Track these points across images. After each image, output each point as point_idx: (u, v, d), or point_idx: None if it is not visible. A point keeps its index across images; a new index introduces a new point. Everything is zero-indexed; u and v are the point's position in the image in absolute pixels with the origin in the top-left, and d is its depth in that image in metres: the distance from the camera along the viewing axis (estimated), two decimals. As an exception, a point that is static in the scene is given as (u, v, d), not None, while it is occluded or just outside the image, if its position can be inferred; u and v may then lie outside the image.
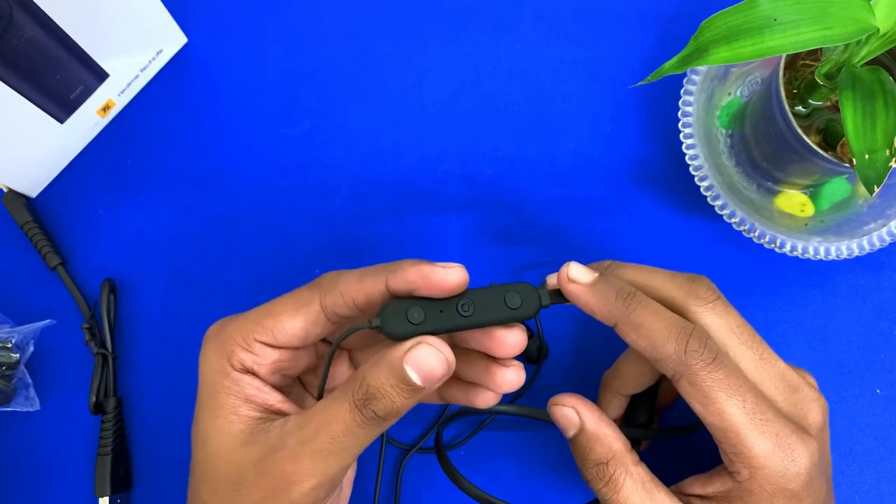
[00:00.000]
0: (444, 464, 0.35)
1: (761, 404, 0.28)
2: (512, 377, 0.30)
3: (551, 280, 0.33)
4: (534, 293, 0.29)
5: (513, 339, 0.29)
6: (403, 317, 0.27)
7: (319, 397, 0.30)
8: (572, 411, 0.31)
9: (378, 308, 0.29)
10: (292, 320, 0.30)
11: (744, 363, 0.30)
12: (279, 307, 0.30)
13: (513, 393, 0.40)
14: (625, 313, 0.29)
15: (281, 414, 0.30)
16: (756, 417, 0.28)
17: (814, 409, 0.30)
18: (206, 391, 0.30)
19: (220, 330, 0.31)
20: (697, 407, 0.28)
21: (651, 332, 0.28)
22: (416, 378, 0.26)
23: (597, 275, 0.30)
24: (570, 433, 0.31)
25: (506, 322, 0.29)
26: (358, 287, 0.29)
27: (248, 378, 0.30)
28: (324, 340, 0.34)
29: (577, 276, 0.30)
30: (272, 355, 0.30)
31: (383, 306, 0.28)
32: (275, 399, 0.30)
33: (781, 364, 0.30)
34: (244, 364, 0.30)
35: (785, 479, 0.27)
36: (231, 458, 0.29)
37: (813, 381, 0.32)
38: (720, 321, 0.30)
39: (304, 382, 0.35)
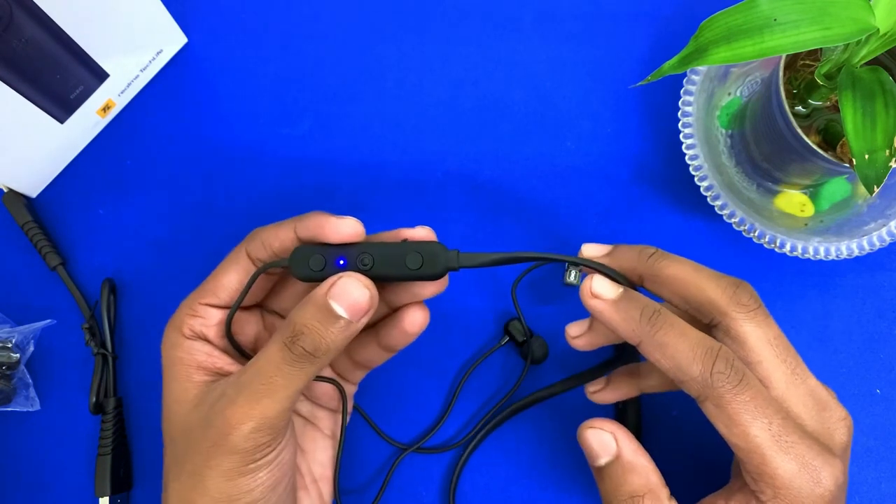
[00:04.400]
0: None
1: (787, 426, 0.27)
2: (420, 318, 0.32)
3: (587, 250, 0.33)
4: (441, 255, 0.30)
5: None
6: (307, 262, 0.30)
7: (229, 316, 0.31)
8: (610, 437, 0.30)
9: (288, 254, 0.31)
10: (227, 276, 0.32)
11: (775, 376, 0.29)
12: (216, 269, 0.32)
13: (513, 395, 0.40)
14: (649, 333, 0.28)
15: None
16: (782, 440, 0.27)
17: (840, 428, 0.29)
18: (164, 368, 0.32)
19: (174, 313, 0.32)
20: (722, 428, 0.28)
21: (676, 353, 0.28)
22: (340, 310, 0.28)
23: (622, 290, 0.30)
24: (602, 461, 0.30)
25: (404, 279, 0.30)
26: (273, 234, 0.31)
27: (198, 344, 0.31)
28: (265, 309, 0.35)
29: (600, 292, 0.30)
30: (217, 315, 0.32)
31: (294, 250, 0.30)
32: (224, 362, 0.31)
33: (812, 381, 0.30)
34: (193, 330, 0.31)
35: (810, 501, 0.27)
36: (185, 421, 0.30)
37: (834, 396, 0.31)
38: (759, 331, 0.29)
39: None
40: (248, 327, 0.34)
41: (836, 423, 0.29)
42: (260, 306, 0.35)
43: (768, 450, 0.27)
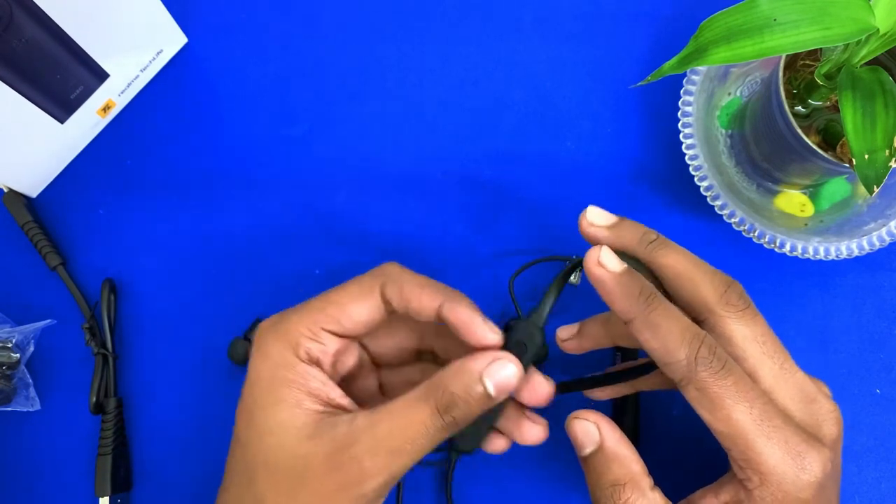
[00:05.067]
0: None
1: (769, 411, 0.28)
2: (537, 433, 0.32)
3: (592, 213, 0.34)
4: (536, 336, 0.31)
5: (542, 390, 0.31)
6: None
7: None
8: (594, 427, 0.31)
9: (421, 316, 0.31)
10: (358, 307, 0.31)
11: (762, 372, 0.29)
12: (342, 295, 0.31)
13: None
14: (644, 311, 0.29)
15: (342, 409, 0.30)
16: (765, 424, 0.27)
17: (829, 420, 0.29)
18: (264, 384, 0.30)
19: (280, 321, 0.31)
20: (705, 414, 0.28)
21: (666, 335, 0.28)
22: (491, 389, 0.28)
23: (625, 266, 0.30)
24: (587, 450, 0.31)
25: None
26: (417, 293, 0.31)
27: (314, 370, 0.30)
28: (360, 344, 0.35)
29: (606, 262, 0.30)
30: (336, 345, 0.31)
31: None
32: (337, 394, 0.30)
33: (800, 375, 0.30)
34: (310, 354, 0.30)
35: (796, 488, 0.27)
36: (296, 451, 0.29)
37: (828, 391, 0.31)
38: (746, 329, 0.30)
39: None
40: (351, 358, 0.34)
41: (825, 414, 0.30)
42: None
43: (751, 434, 0.27)
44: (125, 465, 0.40)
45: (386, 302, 0.31)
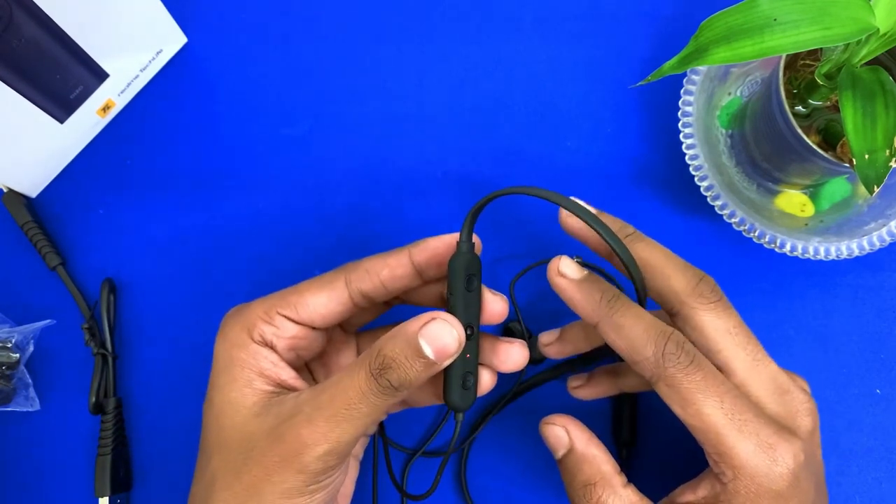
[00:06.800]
0: None
1: (740, 405, 0.28)
2: (518, 355, 0.32)
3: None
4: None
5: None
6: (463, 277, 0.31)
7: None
8: (562, 430, 0.32)
9: (401, 284, 0.32)
10: (316, 297, 0.32)
11: (736, 364, 0.30)
12: (304, 286, 0.32)
13: (506, 391, 0.40)
14: (608, 314, 0.29)
15: (293, 389, 0.31)
16: (735, 417, 0.28)
17: (802, 411, 0.30)
18: (221, 365, 0.31)
19: (243, 307, 0.32)
20: (677, 409, 0.28)
21: (631, 335, 0.29)
22: (428, 351, 0.28)
23: (586, 272, 0.31)
24: (560, 453, 0.32)
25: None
26: (382, 262, 0.31)
27: (265, 351, 0.31)
28: (339, 326, 0.36)
29: (566, 271, 0.31)
30: (291, 330, 0.31)
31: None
32: (288, 375, 0.31)
33: (774, 367, 0.30)
34: (263, 336, 0.31)
35: (769, 480, 0.27)
36: (244, 429, 0.29)
37: (806, 385, 0.32)
38: (718, 321, 0.30)
39: (311, 369, 0.36)
40: (314, 344, 0.34)
41: (798, 406, 0.30)
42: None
43: (723, 428, 0.28)
44: (125, 465, 0.40)
45: (354, 290, 0.32)
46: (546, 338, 0.37)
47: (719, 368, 0.30)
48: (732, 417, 0.28)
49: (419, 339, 0.28)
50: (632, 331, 0.29)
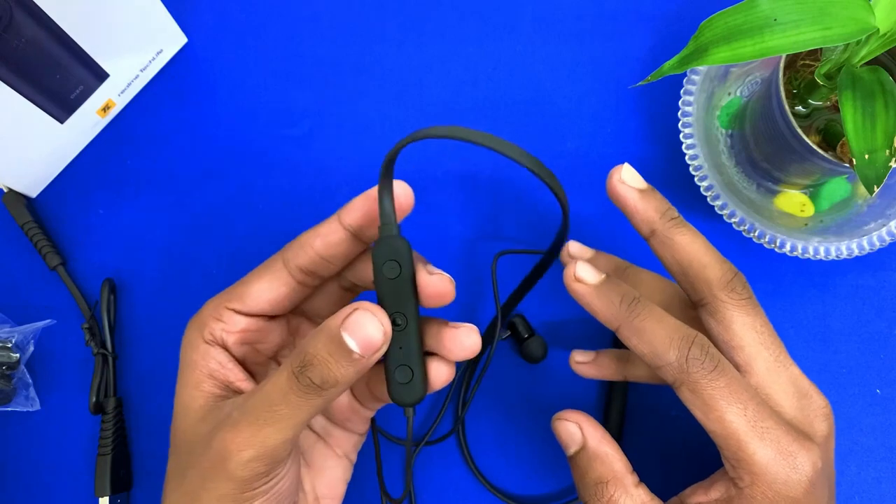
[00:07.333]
0: None
1: (763, 412, 0.28)
2: (467, 339, 0.28)
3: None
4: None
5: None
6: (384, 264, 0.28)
7: None
8: (575, 427, 0.31)
9: (339, 251, 0.30)
10: (258, 284, 0.31)
11: (757, 363, 0.29)
12: (248, 275, 0.31)
13: (474, 371, 0.40)
14: (628, 318, 0.29)
15: (240, 392, 0.30)
16: (758, 425, 0.27)
17: (820, 416, 0.30)
18: (180, 368, 0.31)
19: (202, 307, 0.31)
20: (698, 414, 0.28)
21: (653, 339, 0.28)
22: (353, 345, 0.26)
23: (604, 276, 0.30)
24: (571, 450, 0.31)
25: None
26: (314, 233, 0.30)
27: (213, 351, 0.30)
28: (305, 316, 0.34)
29: (583, 276, 0.30)
30: (241, 323, 0.31)
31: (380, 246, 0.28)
32: (235, 377, 0.30)
33: (795, 370, 0.30)
34: (213, 334, 0.30)
35: (787, 487, 0.27)
36: (189, 433, 0.29)
37: (819, 393, 0.31)
38: (745, 318, 0.30)
39: (279, 363, 0.34)
40: (273, 336, 0.32)
41: (816, 411, 0.30)
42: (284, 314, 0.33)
43: (744, 435, 0.27)
44: (125, 465, 0.40)
45: (293, 268, 0.30)
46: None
47: (740, 366, 0.29)
48: (755, 425, 0.27)
49: (342, 333, 0.26)
50: (654, 335, 0.28)
